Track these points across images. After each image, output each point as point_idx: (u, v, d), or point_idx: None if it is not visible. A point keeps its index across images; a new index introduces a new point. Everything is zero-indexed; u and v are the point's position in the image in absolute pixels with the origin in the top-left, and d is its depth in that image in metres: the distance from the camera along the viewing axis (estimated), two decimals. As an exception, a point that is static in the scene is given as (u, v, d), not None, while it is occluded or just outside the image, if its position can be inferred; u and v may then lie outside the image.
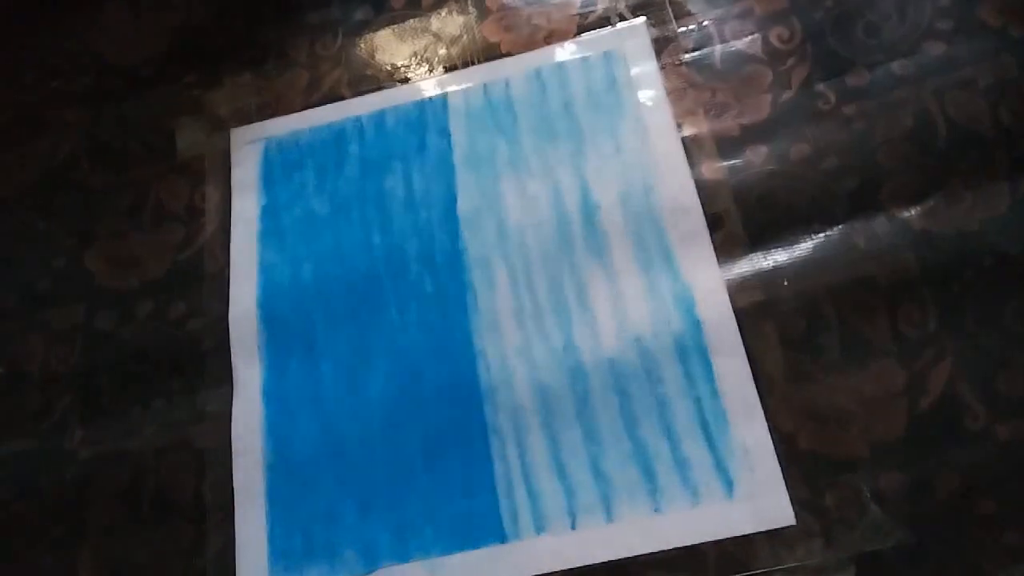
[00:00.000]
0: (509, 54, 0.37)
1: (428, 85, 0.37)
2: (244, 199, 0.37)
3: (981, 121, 0.30)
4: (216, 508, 0.31)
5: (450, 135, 0.36)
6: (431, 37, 0.38)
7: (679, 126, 0.33)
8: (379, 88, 0.38)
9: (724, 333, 0.29)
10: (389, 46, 0.39)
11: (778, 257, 0.30)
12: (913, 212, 0.30)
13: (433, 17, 0.39)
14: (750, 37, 0.34)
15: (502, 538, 0.29)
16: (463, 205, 0.34)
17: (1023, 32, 0.31)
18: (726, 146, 0.33)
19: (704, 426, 0.28)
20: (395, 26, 0.39)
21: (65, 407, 0.34)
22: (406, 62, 0.38)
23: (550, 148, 0.34)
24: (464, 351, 0.32)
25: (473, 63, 0.37)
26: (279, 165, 0.37)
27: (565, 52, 0.36)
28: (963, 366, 0.27)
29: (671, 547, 0.27)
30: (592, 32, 0.36)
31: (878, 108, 0.31)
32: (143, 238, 0.37)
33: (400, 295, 0.33)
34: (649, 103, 0.34)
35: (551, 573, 0.28)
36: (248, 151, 0.37)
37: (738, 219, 0.31)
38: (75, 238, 0.38)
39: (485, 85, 0.36)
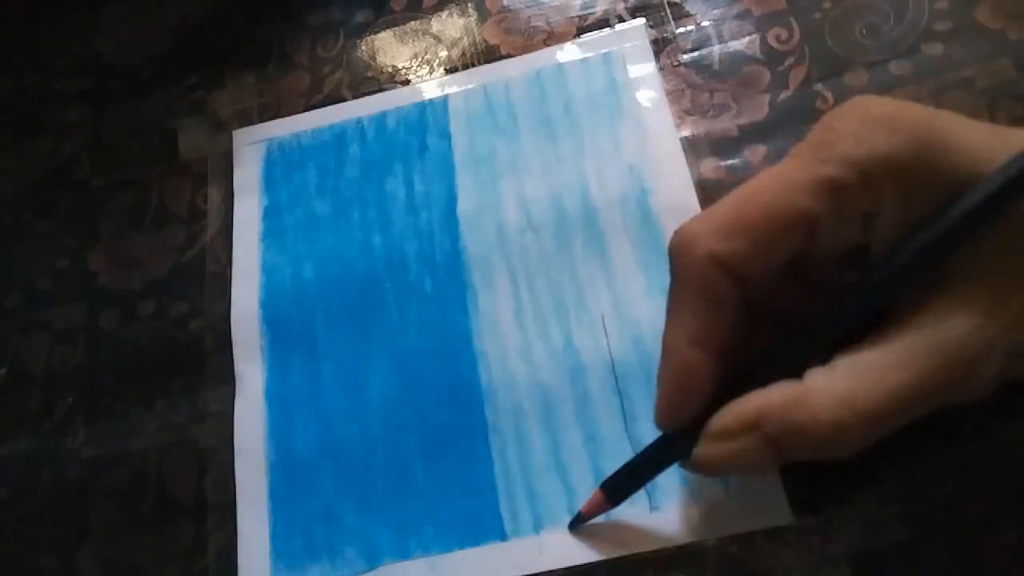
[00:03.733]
0: (509, 56, 0.37)
1: (429, 87, 0.37)
2: (246, 200, 0.37)
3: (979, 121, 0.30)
4: (218, 508, 0.31)
5: (450, 136, 0.36)
6: (431, 39, 0.38)
7: (678, 127, 0.33)
8: (380, 90, 0.38)
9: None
10: (390, 48, 0.39)
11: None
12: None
13: (434, 19, 0.39)
14: (748, 38, 0.34)
15: (502, 536, 0.29)
16: (463, 206, 0.34)
17: (1021, 35, 0.31)
18: (725, 146, 0.33)
19: (703, 425, 0.28)
20: (396, 28, 0.39)
21: (67, 407, 0.35)
22: (407, 64, 0.38)
23: (550, 149, 0.34)
24: (465, 352, 0.32)
25: (473, 65, 0.37)
26: (281, 166, 0.37)
27: (564, 54, 0.36)
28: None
29: (669, 545, 0.27)
30: (591, 34, 0.36)
31: (876, 109, 0.31)
32: (145, 239, 0.37)
33: (400, 296, 0.33)
34: (648, 104, 0.34)
35: (551, 570, 0.28)
36: (250, 152, 0.38)
37: (737, 219, 0.31)
38: (77, 238, 0.38)
39: (485, 87, 0.36)
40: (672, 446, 0.24)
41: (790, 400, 0.20)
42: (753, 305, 0.23)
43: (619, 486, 0.27)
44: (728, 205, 0.22)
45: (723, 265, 0.21)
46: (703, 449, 0.22)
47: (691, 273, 0.22)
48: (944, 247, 0.21)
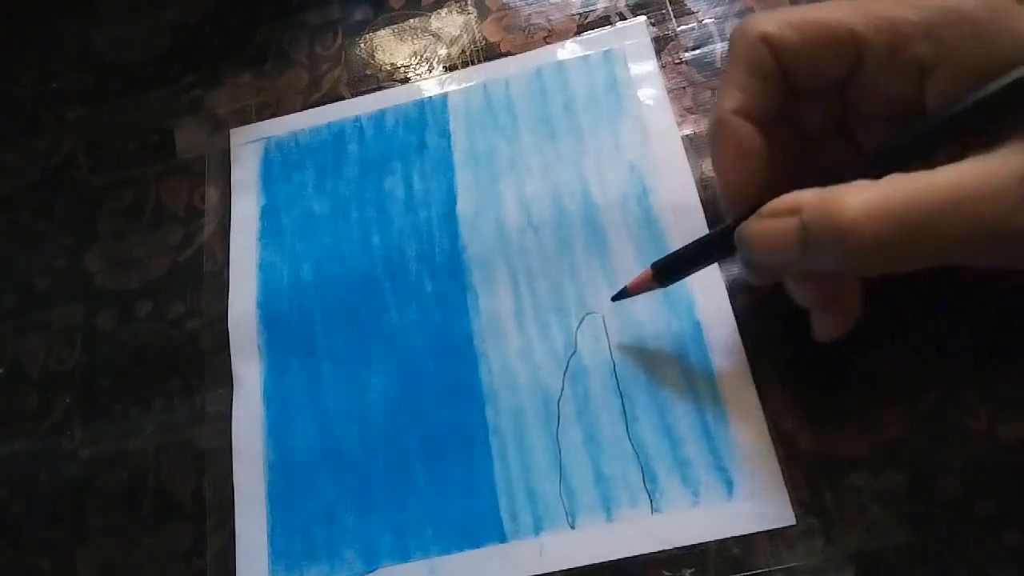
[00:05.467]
0: (509, 53, 0.37)
1: (428, 85, 0.37)
2: (244, 199, 0.37)
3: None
4: (216, 508, 0.31)
5: (450, 135, 0.36)
6: (431, 37, 0.38)
7: (679, 125, 0.33)
8: (379, 88, 0.38)
9: (724, 333, 0.29)
10: (389, 46, 0.39)
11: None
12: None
13: (433, 17, 0.39)
14: (750, 36, 0.34)
15: (502, 538, 0.29)
16: (463, 205, 0.34)
17: None
18: (726, 145, 0.33)
19: (704, 426, 0.28)
20: (395, 26, 0.39)
21: (65, 407, 0.34)
22: (406, 62, 0.38)
23: (550, 148, 0.34)
24: (465, 352, 0.32)
25: (473, 63, 0.37)
26: (278, 165, 0.37)
27: (565, 51, 0.36)
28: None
29: (671, 547, 0.27)
30: (592, 31, 0.36)
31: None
32: (143, 238, 0.37)
33: (400, 296, 0.33)
34: (649, 102, 0.34)
35: (551, 572, 0.28)
36: (248, 151, 0.37)
37: (738, 218, 0.31)
38: (74, 238, 0.38)
39: (485, 85, 0.36)
40: (725, 238, 0.25)
41: (828, 194, 0.21)
42: (803, 144, 0.26)
43: (668, 268, 0.28)
44: (794, 8, 0.24)
45: (772, 46, 0.24)
46: (748, 223, 0.24)
47: (743, 49, 0.24)
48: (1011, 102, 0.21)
